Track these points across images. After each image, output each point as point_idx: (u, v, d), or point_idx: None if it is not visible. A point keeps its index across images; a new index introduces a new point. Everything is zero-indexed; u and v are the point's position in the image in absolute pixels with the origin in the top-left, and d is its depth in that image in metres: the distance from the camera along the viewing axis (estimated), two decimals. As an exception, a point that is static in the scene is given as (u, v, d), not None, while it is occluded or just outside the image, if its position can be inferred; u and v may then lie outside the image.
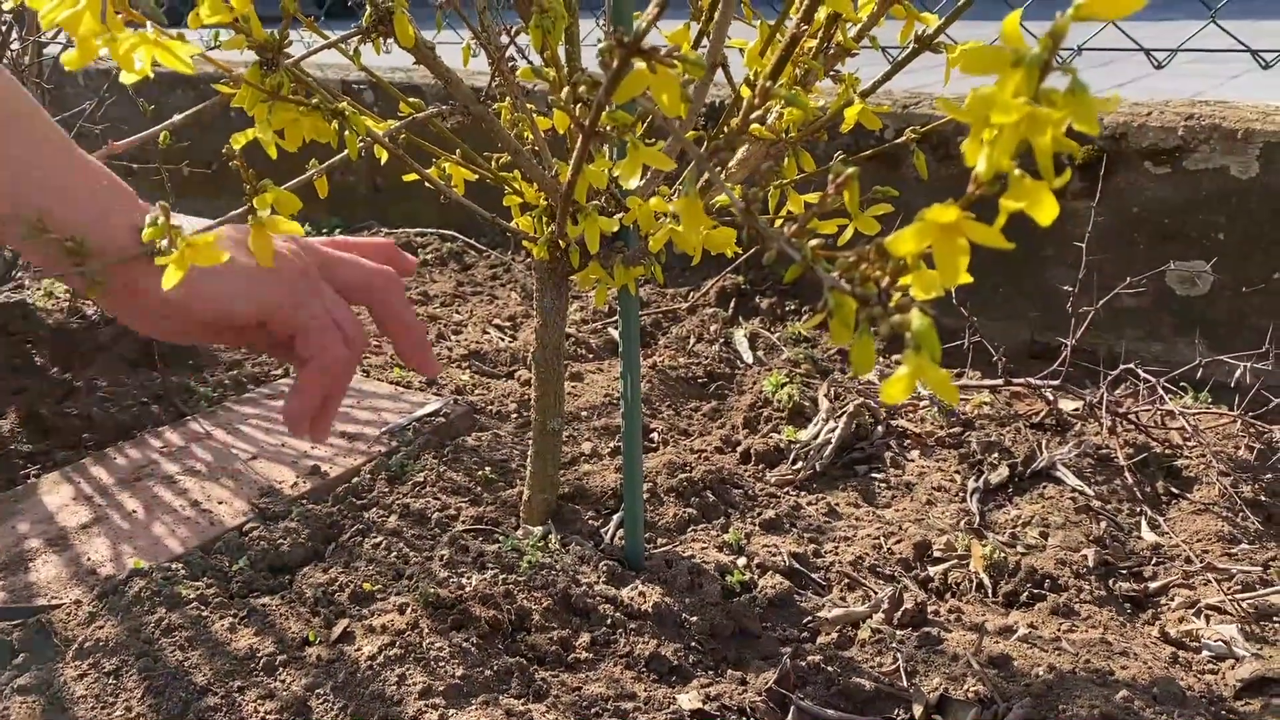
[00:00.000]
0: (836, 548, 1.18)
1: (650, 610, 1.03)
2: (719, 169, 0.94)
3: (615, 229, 0.86)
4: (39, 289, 2.11)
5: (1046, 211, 0.48)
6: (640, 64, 0.59)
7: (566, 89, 0.71)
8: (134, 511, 1.25)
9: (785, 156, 1.10)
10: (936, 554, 1.15)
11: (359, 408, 1.52)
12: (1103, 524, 1.20)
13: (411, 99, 0.98)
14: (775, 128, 1.08)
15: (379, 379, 1.64)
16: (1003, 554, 1.12)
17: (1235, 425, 1.37)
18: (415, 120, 0.93)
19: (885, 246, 0.50)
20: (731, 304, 1.98)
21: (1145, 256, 1.71)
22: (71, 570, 1.14)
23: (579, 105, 0.68)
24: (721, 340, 1.82)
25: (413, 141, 1.00)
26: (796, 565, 1.13)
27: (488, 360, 1.77)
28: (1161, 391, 1.39)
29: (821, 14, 1.00)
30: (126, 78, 0.62)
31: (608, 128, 0.67)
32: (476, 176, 1.06)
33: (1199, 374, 1.49)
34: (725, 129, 0.84)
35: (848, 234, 1.00)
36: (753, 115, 0.84)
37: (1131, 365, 1.46)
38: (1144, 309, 1.73)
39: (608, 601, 1.04)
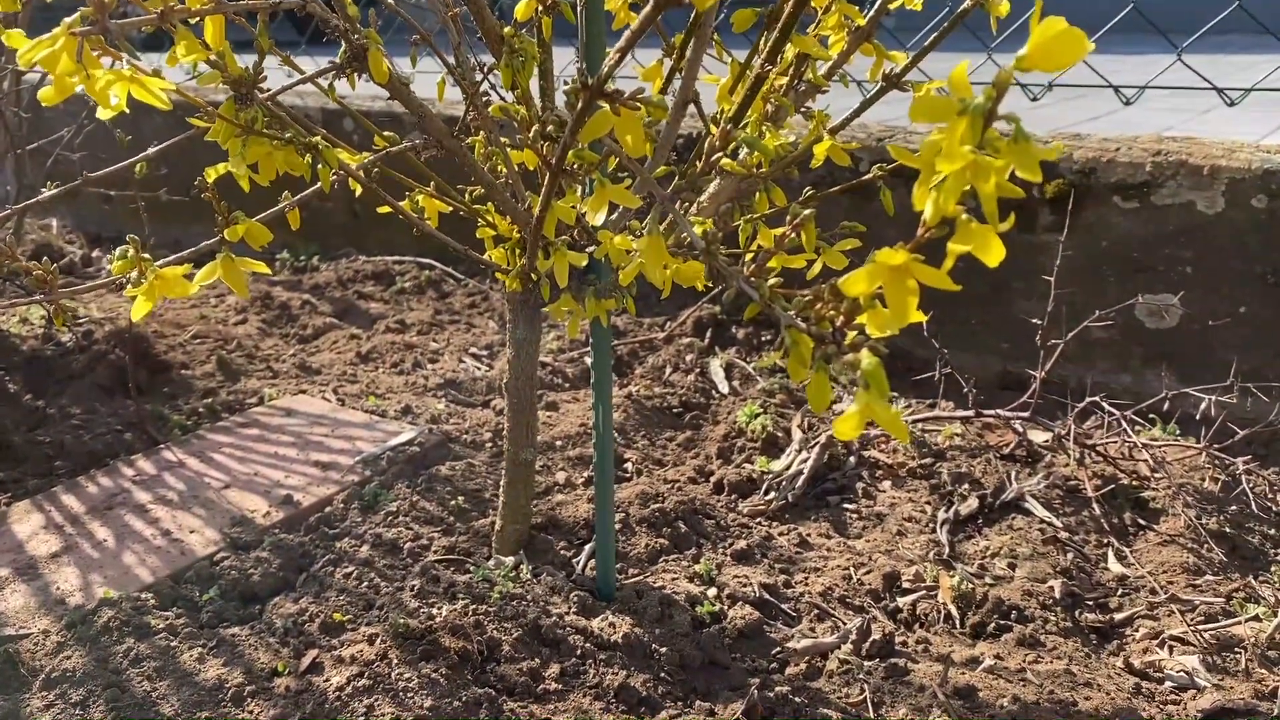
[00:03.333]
0: (807, 578, 1.19)
1: (620, 641, 1.03)
2: (687, 205, 0.95)
3: (584, 263, 0.87)
4: (14, 315, 2.10)
5: (993, 254, 0.50)
6: (605, 105, 0.61)
7: (535, 127, 0.72)
8: (104, 540, 1.25)
9: (757, 191, 1.11)
10: (905, 585, 1.16)
11: (333, 436, 1.53)
12: (1070, 555, 1.21)
13: (388, 132, 0.99)
14: (747, 163, 1.09)
15: (354, 408, 1.64)
16: (971, 585, 1.13)
17: (1201, 457, 1.39)
18: (389, 154, 0.94)
19: (839, 287, 0.52)
20: (708, 333, 1.99)
21: (1115, 289, 1.73)
22: (40, 599, 1.13)
23: (547, 143, 0.70)
24: (697, 370, 1.83)
25: (387, 173, 1.01)
26: (767, 596, 1.14)
27: (463, 389, 1.77)
28: (1128, 424, 1.41)
29: (790, 53, 1.02)
30: (103, 113, 0.62)
31: (574, 166, 0.68)
32: (451, 208, 1.07)
33: (1165, 406, 1.51)
34: (690, 170, 0.85)
35: (816, 268, 1.01)
36: (714, 157, 0.85)
37: (1097, 399, 1.47)
38: (1114, 341, 1.76)
39: (578, 632, 1.04)
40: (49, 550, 1.23)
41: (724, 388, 1.79)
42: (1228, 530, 1.27)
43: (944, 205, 0.48)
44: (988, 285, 1.83)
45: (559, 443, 1.54)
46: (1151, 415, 1.56)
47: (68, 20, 0.57)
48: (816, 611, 1.12)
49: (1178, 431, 1.55)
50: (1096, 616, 1.12)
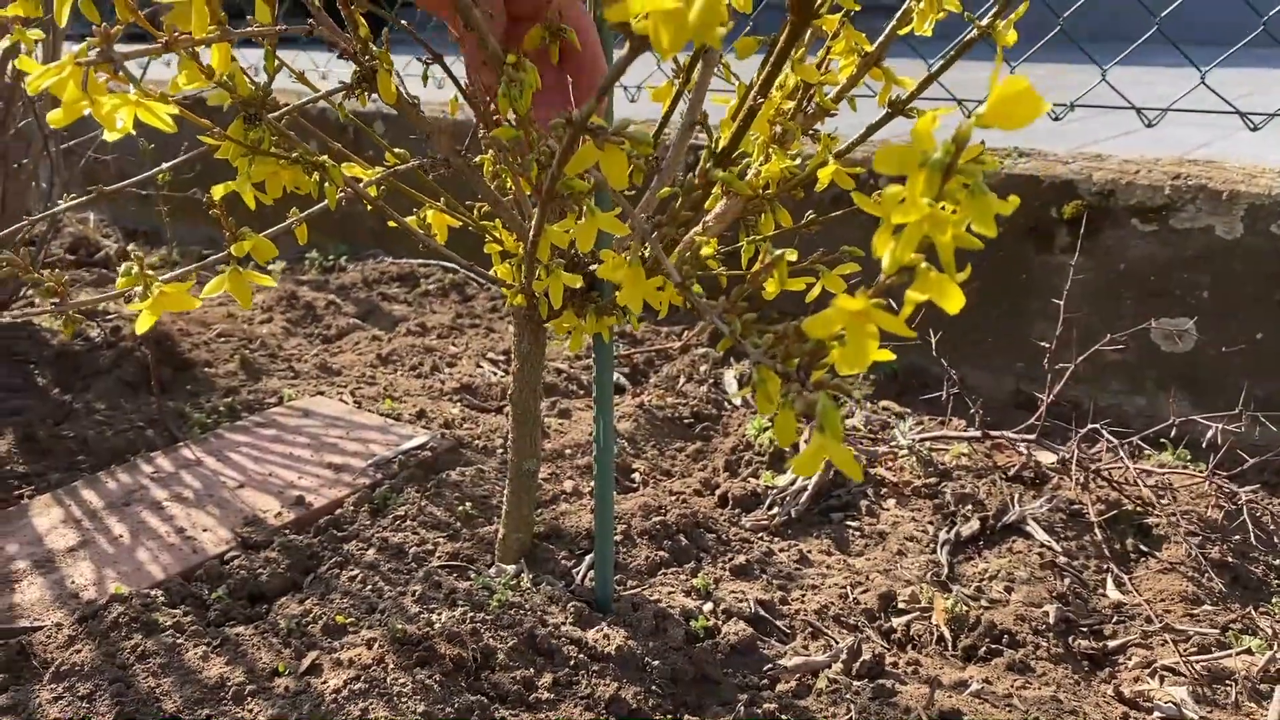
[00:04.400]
0: (804, 595, 1.20)
1: (613, 653, 1.05)
2: (683, 228, 0.96)
3: (579, 284, 0.89)
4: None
5: (953, 302, 0.51)
6: (590, 140, 0.62)
7: (530, 155, 0.74)
8: (120, 536, 1.28)
9: (763, 211, 1.13)
10: (901, 605, 1.17)
11: (348, 439, 1.55)
12: (1067, 580, 1.22)
13: (399, 149, 1.01)
14: (753, 183, 1.11)
15: (370, 410, 1.67)
16: (965, 607, 1.14)
17: (1207, 485, 1.39)
18: (397, 172, 0.96)
19: (803, 329, 0.53)
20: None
21: (1131, 312, 1.73)
22: (55, 593, 1.17)
23: (540, 171, 0.71)
24: (711, 380, 1.84)
25: (398, 189, 1.03)
26: (762, 612, 1.15)
27: (479, 394, 1.80)
28: (1136, 448, 1.41)
29: (792, 80, 1.03)
30: (109, 135, 0.65)
31: (564, 194, 0.70)
32: (459, 223, 1.09)
33: (1173, 432, 1.50)
34: (682, 201, 0.87)
35: (815, 292, 1.03)
36: (703, 187, 0.86)
37: (1098, 425, 1.48)
38: (1129, 363, 1.75)
39: (573, 643, 1.06)
40: (66, 544, 1.27)
41: (736, 399, 1.80)
42: (1230, 560, 1.27)
43: (900, 255, 0.49)
44: (1004, 304, 1.83)
45: (568, 451, 1.56)
46: (1162, 440, 1.56)
47: (74, 49, 0.60)
48: (811, 629, 1.13)
49: (1188, 456, 1.54)
50: (1090, 643, 1.12)
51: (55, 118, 0.62)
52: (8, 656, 1.06)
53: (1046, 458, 1.51)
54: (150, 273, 0.72)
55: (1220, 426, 1.38)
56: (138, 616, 1.09)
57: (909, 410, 1.75)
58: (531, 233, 0.79)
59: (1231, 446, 1.44)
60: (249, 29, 0.72)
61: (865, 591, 1.20)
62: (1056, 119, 1.93)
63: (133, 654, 1.04)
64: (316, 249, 2.62)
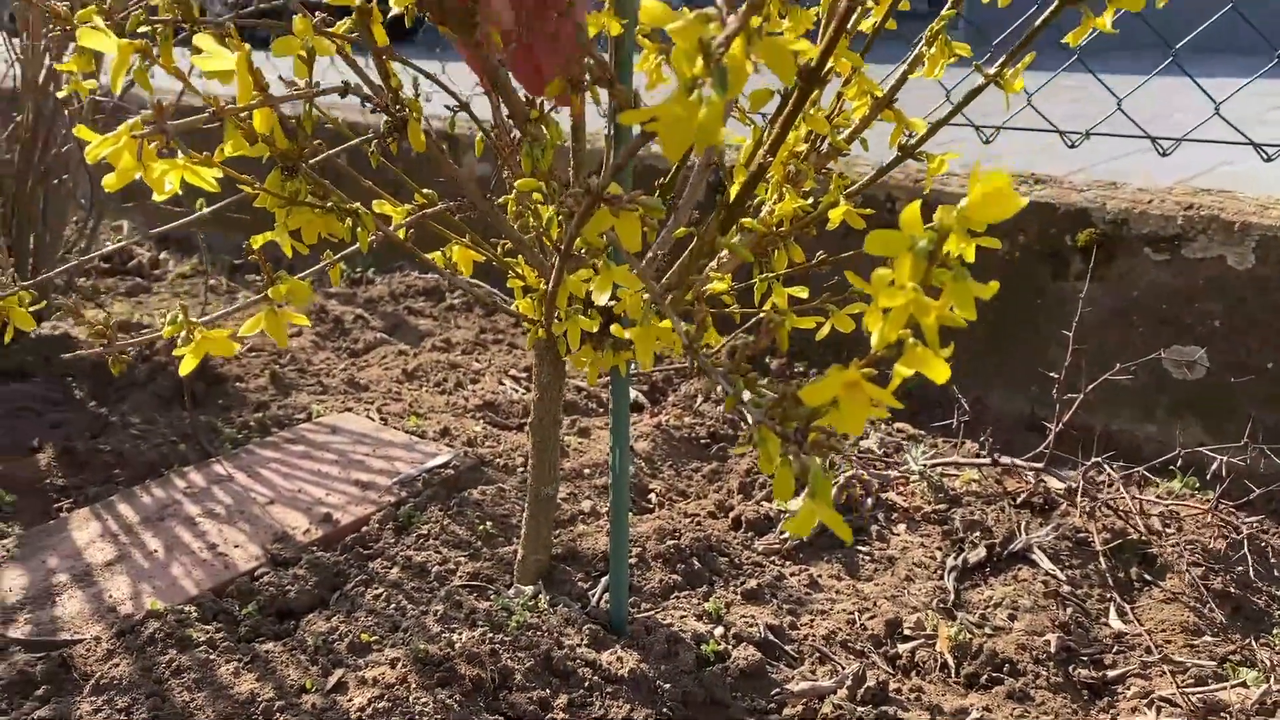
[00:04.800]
0: (813, 620, 1.24)
1: (626, 675, 1.09)
2: (707, 260, 1.00)
3: (595, 328, 0.93)
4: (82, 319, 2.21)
5: (939, 374, 0.55)
6: (606, 206, 0.67)
7: (550, 210, 0.79)
8: (155, 551, 1.33)
9: (776, 248, 1.17)
10: (907, 631, 1.21)
11: (374, 456, 1.60)
12: (1069, 610, 1.25)
13: (426, 189, 1.06)
14: (766, 221, 1.15)
15: (396, 427, 1.72)
16: (969, 635, 1.18)
17: (1212, 515, 1.41)
18: (426, 214, 1.01)
19: (800, 395, 0.57)
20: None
21: (1143, 339, 1.75)
22: (94, 607, 1.22)
23: (558, 228, 0.76)
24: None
25: (427, 226, 1.08)
26: (772, 637, 1.19)
27: (500, 411, 1.84)
28: (1140, 478, 1.44)
29: (803, 130, 1.07)
30: (158, 196, 0.70)
31: (582, 250, 0.75)
32: (484, 258, 1.14)
33: (1179, 461, 1.53)
34: (696, 249, 0.90)
35: (824, 331, 1.07)
36: (702, 260, 0.90)
37: (1101, 461, 1.50)
38: (1140, 390, 1.77)
39: (587, 665, 1.11)
40: (104, 558, 1.32)
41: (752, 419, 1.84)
42: (1232, 590, 1.29)
43: (887, 335, 0.53)
44: (1019, 328, 1.86)
45: (587, 470, 1.60)
46: (1171, 467, 1.59)
47: (129, 122, 0.64)
48: (818, 654, 1.17)
49: (1196, 484, 1.57)
50: (1089, 673, 1.15)
51: (110, 182, 0.67)
52: (49, 668, 1.11)
53: (1055, 483, 1.54)
54: (194, 320, 0.77)
55: (1225, 459, 1.40)
56: (172, 632, 1.14)
57: (923, 432, 1.79)
58: (551, 283, 0.83)
59: (1240, 475, 1.47)
60: (289, 93, 0.77)
61: (872, 617, 1.23)
62: (1072, 146, 1.95)
63: (168, 669, 1.09)
64: (344, 261, 2.67)
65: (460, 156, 2.45)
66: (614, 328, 0.82)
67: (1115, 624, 1.25)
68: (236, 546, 1.35)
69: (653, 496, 1.55)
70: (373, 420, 1.74)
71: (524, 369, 2.04)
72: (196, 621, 1.17)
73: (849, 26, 0.97)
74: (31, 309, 0.93)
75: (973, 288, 0.52)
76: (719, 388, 0.67)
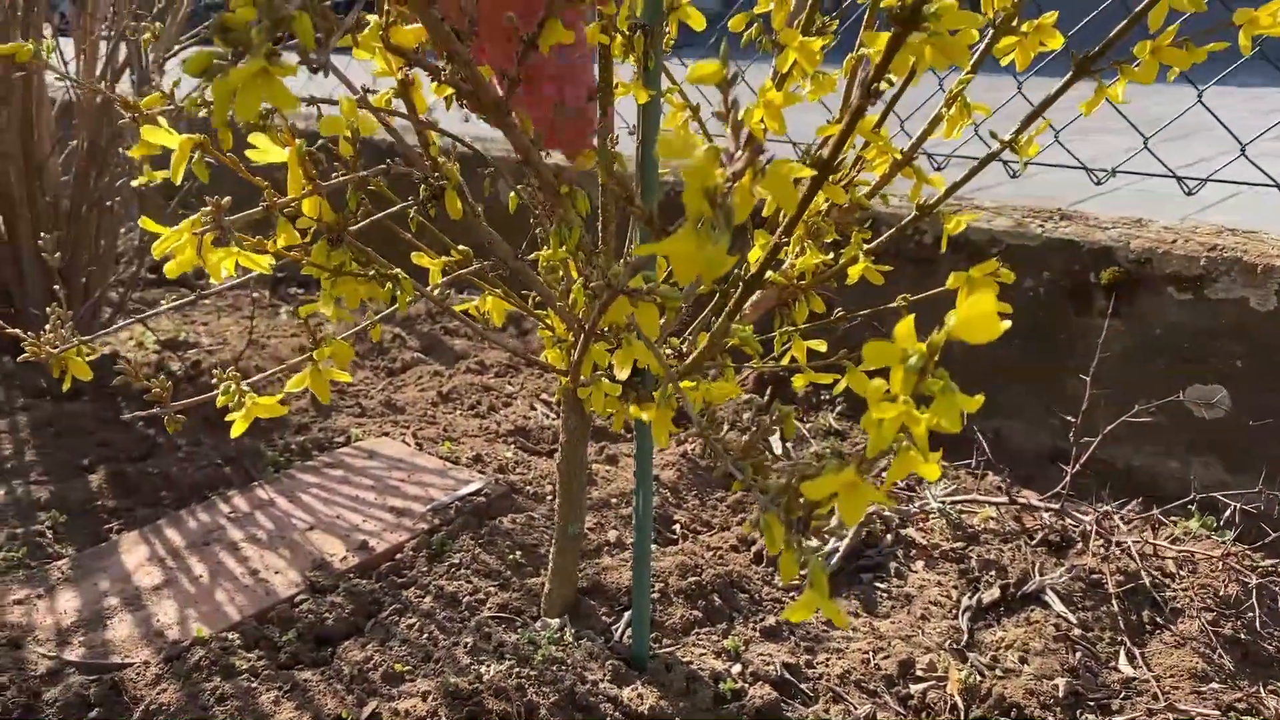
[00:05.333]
0: (829, 659, 1.28)
1: (646, 712, 1.14)
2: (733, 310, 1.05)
3: (619, 392, 0.98)
4: (130, 339, 2.29)
5: (930, 473, 0.59)
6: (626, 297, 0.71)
7: (574, 291, 0.84)
8: (200, 576, 1.40)
9: (797, 300, 1.22)
10: (919, 672, 1.24)
11: (409, 482, 1.66)
12: (1078, 654, 1.28)
13: (462, 245, 1.11)
14: (788, 274, 1.20)
15: (430, 453, 1.78)
16: (979, 677, 1.21)
17: (1229, 558, 1.44)
18: (464, 267, 1.06)
19: (803, 489, 0.62)
20: (768, 390, 2.08)
21: (1165, 377, 1.78)
22: (143, 631, 1.29)
23: (583, 307, 0.81)
24: (754, 428, 1.92)
25: (460, 280, 1.13)
26: (788, 675, 1.23)
27: (531, 437, 1.90)
28: (1154, 521, 1.46)
29: (821, 198, 1.11)
30: (214, 280, 0.75)
31: (605, 329, 0.79)
32: (514, 308, 1.19)
33: (1195, 500, 1.55)
34: (700, 354, 0.95)
35: (840, 386, 1.11)
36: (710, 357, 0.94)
37: (1110, 508, 1.53)
38: (1163, 426, 1.80)
39: (609, 701, 1.15)
40: (152, 583, 1.39)
41: (778, 449, 1.88)
42: (1243, 636, 1.32)
43: (880, 443, 0.58)
44: (1042, 363, 1.88)
45: (614, 500, 1.65)
46: (1190, 506, 1.61)
47: (190, 219, 0.70)
48: (832, 694, 1.21)
49: (1214, 523, 1.59)
50: (1096, 718, 1.19)
51: (172, 269, 0.73)
52: (102, 691, 1.18)
53: (1073, 522, 1.57)
54: (245, 387, 0.82)
55: (1238, 505, 1.43)
56: (217, 660, 1.20)
57: (945, 463, 1.82)
58: (576, 353, 0.88)
59: (1259, 517, 1.49)
60: (334, 179, 0.82)
61: (887, 657, 1.27)
62: (1099, 183, 1.97)
63: (212, 696, 1.15)
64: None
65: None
66: (657, 362, 0.87)
67: (1125, 669, 1.28)
68: (277, 573, 1.41)
69: (677, 527, 1.59)
70: (408, 445, 1.80)
71: (555, 394, 2.09)
72: (239, 649, 1.23)
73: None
74: (80, 327, 0.99)
75: (959, 401, 0.56)
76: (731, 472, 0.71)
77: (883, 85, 1.05)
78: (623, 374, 0.79)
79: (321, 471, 1.71)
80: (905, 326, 0.57)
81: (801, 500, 0.64)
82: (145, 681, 1.19)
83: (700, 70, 0.58)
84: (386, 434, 1.86)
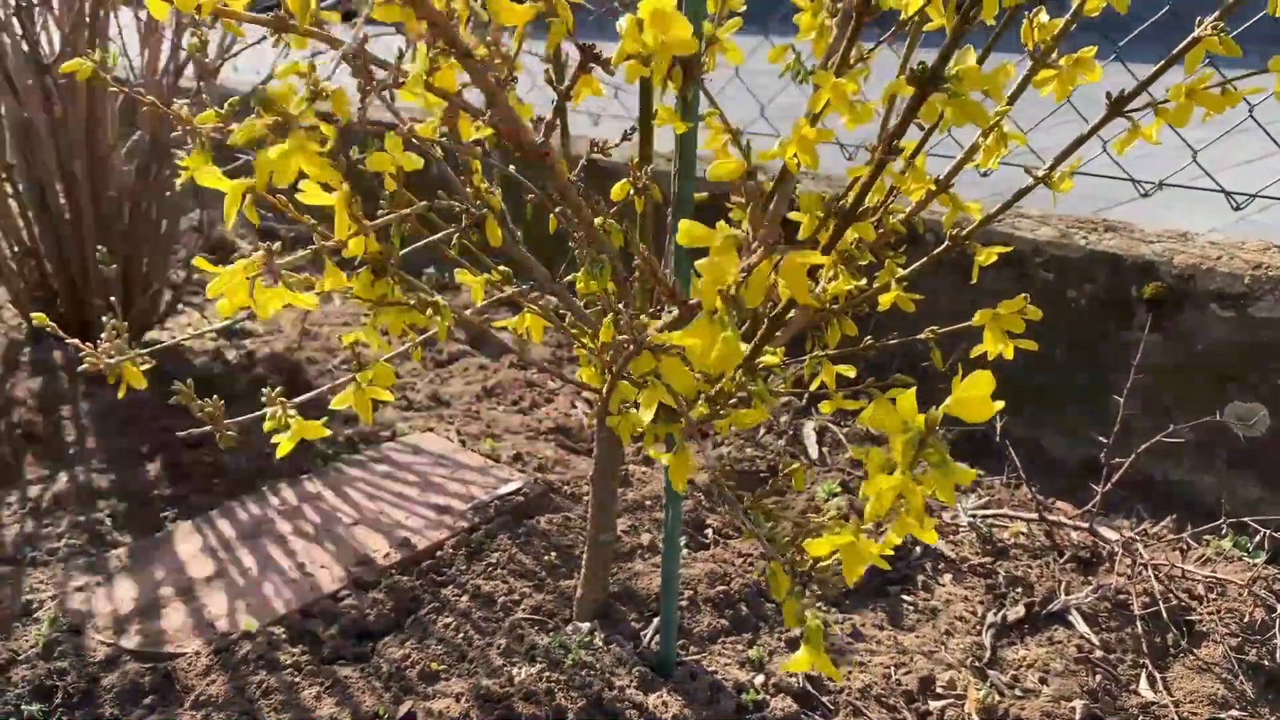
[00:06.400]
0: (850, 672, 1.31)
1: (669, 720, 1.18)
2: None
3: (640, 431, 1.01)
4: (189, 324, 2.37)
5: (928, 538, 0.62)
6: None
7: (603, 328, 0.87)
8: (249, 569, 1.46)
9: (829, 324, 1.24)
10: (939, 689, 1.27)
11: (451, 479, 1.71)
12: (1099, 676, 1.30)
13: (502, 267, 1.15)
14: (821, 297, 1.22)
15: (473, 449, 1.83)
16: (998, 697, 1.24)
17: (1253, 584, 1.44)
18: (499, 299, 1.10)
19: (803, 546, 0.65)
20: (806, 393, 2.10)
21: (1205, 393, 1.78)
22: (194, 621, 1.35)
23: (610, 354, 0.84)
24: (791, 431, 1.95)
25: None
26: (809, 688, 1.27)
27: (572, 435, 1.94)
28: (1181, 543, 1.47)
29: (850, 234, 1.13)
30: (261, 316, 0.80)
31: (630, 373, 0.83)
32: (551, 325, 1.23)
33: (1228, 522, 1.56)
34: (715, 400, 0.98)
35: (867, 413, 1.13)
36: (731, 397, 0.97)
37: (1133, 536, 1.54)
38: (1201, 442, 1.80)
39: (634, 707, 1.20)
40: (204, 574, 1.45)
41: (814, 453, 1.91)
42: (1266, 663, 1.33)
43: (876, 511, 0.61)
44: (1083, 374, 1.89)
45: (648, 502, 1.69)
46: (1225, 525, 1.61)
47: (243, 263, 0.75)
48: (852, 708, 1.25)
49: (1249, 544, 1.59)
50: (1112, 743, 1.21)
51: (224, 307, 0.77)
52: (156, 680, 1.24)
53: (1104, 538, 1.58)
54: (292, 413, 0.87)
55: (1267, 533, 1.43)
56: (263, 655, 1.26)
57: (981, 473, 1.84)
58: (604, 393, 0.92)
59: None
60: (378, 219, 0.86)
61: (908, 673, 1.30)
62: (1145, 195, 1.96)
63: (258, 689, 1.21)
64: (434, 265, 2.80)
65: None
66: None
67: (1145, 693, 1.30)
68: (322, 567, 1.47)
69: (709, 532, 1.63)
70: (451, 442, 1.86)
71: (596, 390, 2.13)
72: (284, 643, 1.29)
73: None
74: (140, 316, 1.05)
75: (954, 473, 0.59)
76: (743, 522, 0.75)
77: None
78: (647, 415, 0.82)
79: (367, 466, 1.76)
80: (908, 399, 0.60)
81: (807, 557, 0.67)
82: (196, 671, 1.25)
83: (721, 169, 0.60)
84: (431, 429, 1.91)
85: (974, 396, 0.56)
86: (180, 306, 2.46)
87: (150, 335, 2.24)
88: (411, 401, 2.05)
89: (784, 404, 2.06)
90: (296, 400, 0.99)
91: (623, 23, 0.66)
